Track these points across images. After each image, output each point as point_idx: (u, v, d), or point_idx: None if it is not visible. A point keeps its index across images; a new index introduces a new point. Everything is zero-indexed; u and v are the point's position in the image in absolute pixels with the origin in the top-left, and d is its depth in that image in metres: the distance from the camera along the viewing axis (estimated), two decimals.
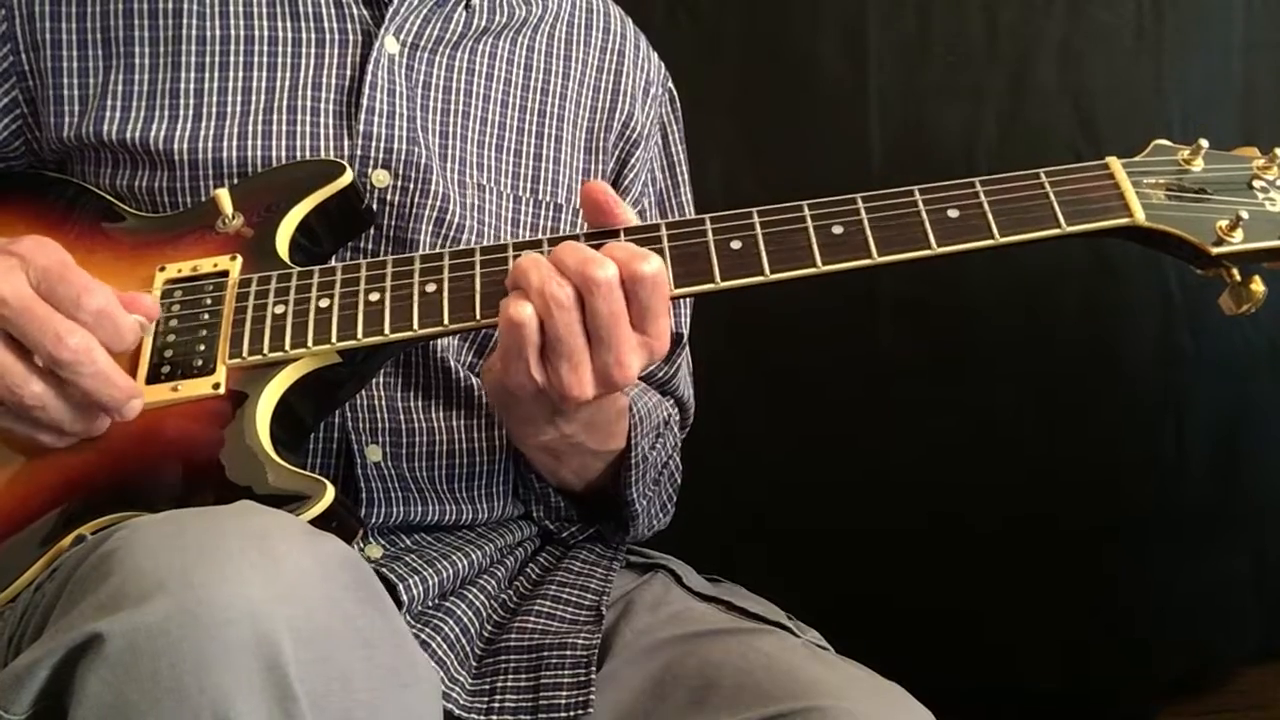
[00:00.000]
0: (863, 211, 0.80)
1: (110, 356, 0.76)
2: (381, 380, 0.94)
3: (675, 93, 1.15)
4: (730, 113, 1.51)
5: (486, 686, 0.87)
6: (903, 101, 1.50)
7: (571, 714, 0.84)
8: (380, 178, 0.94)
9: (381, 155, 0.94)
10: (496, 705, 0.86)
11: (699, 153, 1.19)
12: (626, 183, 1.07)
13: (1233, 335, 1.49)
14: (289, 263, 0.86)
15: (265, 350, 0.81)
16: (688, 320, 1.12)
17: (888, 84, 1.50)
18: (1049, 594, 1.52)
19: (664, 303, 0.77)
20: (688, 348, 1.13)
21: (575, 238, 0.81)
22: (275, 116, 0.94)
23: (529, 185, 1.01)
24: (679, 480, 1.10)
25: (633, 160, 1.07)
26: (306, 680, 0.58)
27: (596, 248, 0.78)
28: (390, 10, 0.97)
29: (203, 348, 0.82)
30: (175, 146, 0.92)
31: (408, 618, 0.88)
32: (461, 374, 0.96)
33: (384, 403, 0.94)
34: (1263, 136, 0.86)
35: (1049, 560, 1.51)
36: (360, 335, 0.81)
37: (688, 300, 1.11)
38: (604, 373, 0.77)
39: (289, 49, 0.96)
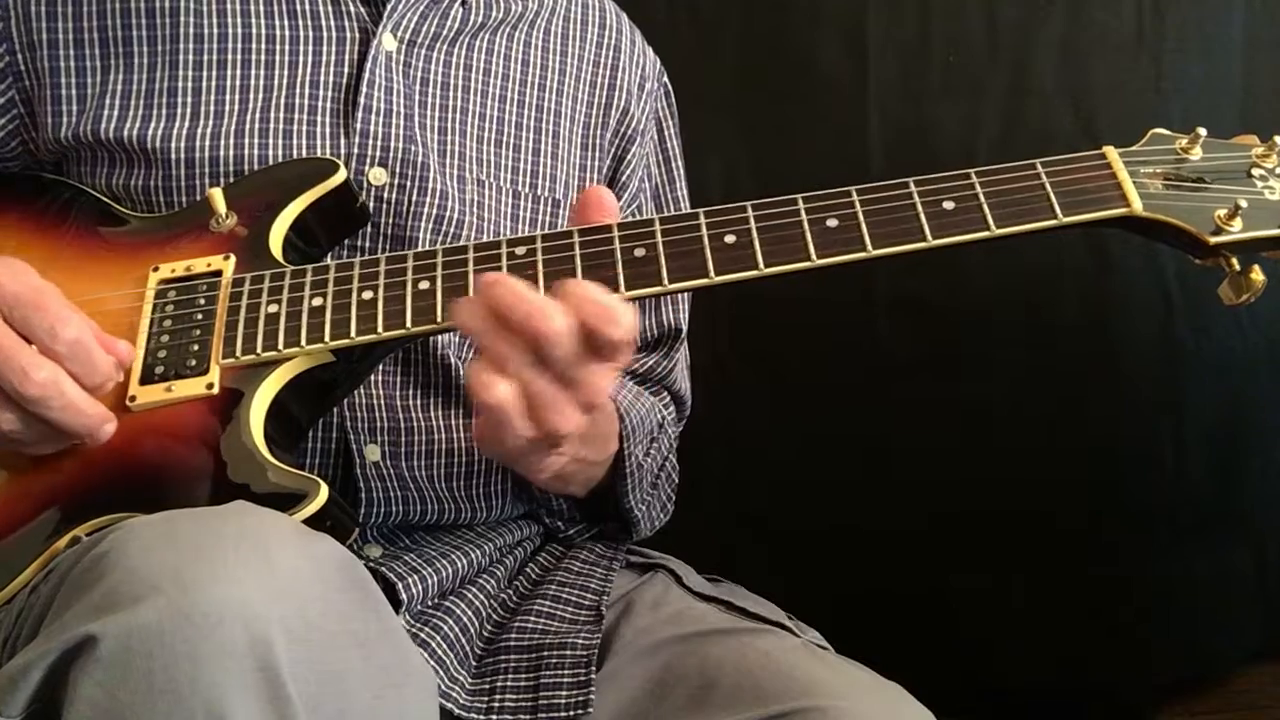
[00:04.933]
0: (857, 204, 0.80)
1: (79, 387, 0.76)
2: (380, 379, 0.93)
3: (670, 88, 1.15)
4: (729, 111, 1.51)
5: (486, 686, 0.87)
6: (903, 101, 1.50)
7: (571, 714, 0.83)
8: (377, 176, 0.93)
9: (379, 153, 0.93)
10: (496, 705, 0.85)
11: (698, 151, 1.18)
12: (624, 178, 1.06)
13: (1233, 334, 1.49)
14: (282, 262, 0.86)
15: (259, 350, 0.80)
16: (687, 314, 1.11)
17: (888, 83, 1.50)
18: (1048, 593, 1.52)
19: (616, 329, 0.73)
20: (686, 343, 1.13)
21: (569, 234, 0.80)
22: (272, 115, 0.93)
23: (527, 180, 1.01)
24: (676, 479, 1.10)
25: (629, 156, 1.07)
26: (300, 681, 0.58)
27: (588, 250, 0.78)
28: (388, 7, 0.97)
29: (196, 348, 0.81)
30: (173, 145, 0.92)
31: (407, 617, 0.88)
32: (462, 371, 0.96)
33: (383, 401, 0.93)
34: (1263, 136, 0.85)
35: (1048, 559, 1.51)
36: (354, 334, 0.80)
37: (686, 294, 1.11)
38: (585, 403, 0.75)
39: (286, 47, 0.95)
